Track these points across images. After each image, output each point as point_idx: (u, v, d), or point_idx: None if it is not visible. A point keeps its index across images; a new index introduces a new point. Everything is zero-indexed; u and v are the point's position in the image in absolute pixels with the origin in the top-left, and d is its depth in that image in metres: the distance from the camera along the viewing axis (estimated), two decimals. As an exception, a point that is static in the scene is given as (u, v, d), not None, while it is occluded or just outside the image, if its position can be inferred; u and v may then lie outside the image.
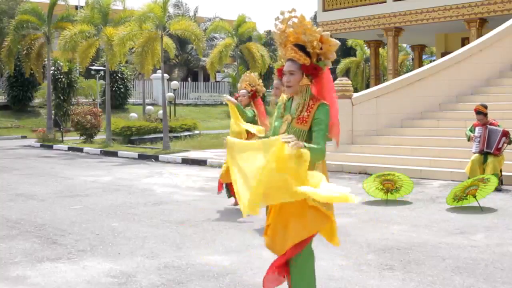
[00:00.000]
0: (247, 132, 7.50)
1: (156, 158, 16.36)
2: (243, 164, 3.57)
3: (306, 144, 3.45)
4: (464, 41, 20.60)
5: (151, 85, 35.70)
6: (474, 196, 8.18)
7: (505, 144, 9.66)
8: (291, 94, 3.76)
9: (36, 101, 32.64)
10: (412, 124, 13.95)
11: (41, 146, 21.53)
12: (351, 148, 13.35)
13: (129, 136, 21.05)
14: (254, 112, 8.04)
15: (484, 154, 9.67)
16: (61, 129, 23.71)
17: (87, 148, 19.34)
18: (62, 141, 22.39)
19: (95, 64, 30.61)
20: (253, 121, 7.74)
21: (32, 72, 25.85)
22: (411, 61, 36.94)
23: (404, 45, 34.58)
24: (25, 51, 25.35)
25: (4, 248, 6.11)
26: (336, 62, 34.55)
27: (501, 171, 9.69)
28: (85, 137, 22.07)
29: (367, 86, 28.17)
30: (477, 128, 9.83)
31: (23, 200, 9.29)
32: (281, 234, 3.65)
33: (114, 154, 17.90)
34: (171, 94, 27.09)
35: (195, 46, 21.34)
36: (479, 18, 19.26)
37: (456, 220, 7.43)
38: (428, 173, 11.45)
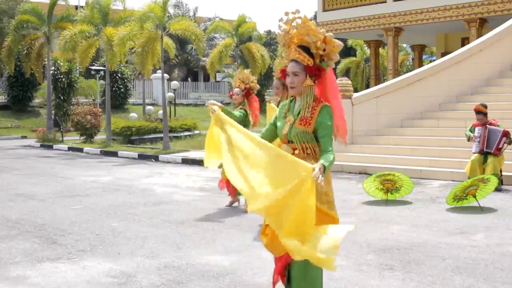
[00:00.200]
0: None
1: (156, 158, 16.36)
2: (243, 155, 3.60)
3: (325, 163, 3.43)
4: (464, 41, 20.60)
5: (151, 85, 35.71)
6: (474, 196, 8.18)
7: (505, 144, 9.66)
8: (294, 95, 3.78)
9: (36, 101, 32.65)
10: (412, 124, 13.95)
11: (41, 146, 21.53)
12: (351, 148, 13.35)
13: (129, 136, 21.05)
14: (246, 111, 8.04)
15: (484, 154, 9.68)
16: (61, 129, 23.72)
17: (87, 148, 19.34)
18: (62, 141, 22.39)
19: (95, 64, 30.62)
20: (243, 120, 7.75)
21: (32, 72, 25.85)
22: (411, 61, 36.94)
23: (404, 45, 34.57)
24: (25, 51, 25.35)
25: (4, 248, 6.11)
26: (336, 62, 34.47)
27: (501, 171, 9.69)
28: (85, 137, 22.08)
29: (367, 86, 28.17)
30: (476, 128, 9.83)
31: (23, 200, 9.29)
32: None
33: (114, 154, 17.90)
34: (171, 94, 27.09)
35: (195, 46, 21.36)
36: (479, 18, 19.27)
37: (456, 220, 7.43)
38: (428, 173, 11.45)
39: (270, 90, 34.81)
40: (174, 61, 39.99)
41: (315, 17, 34.75)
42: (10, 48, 24.76)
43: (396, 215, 7.79)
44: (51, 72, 26.28)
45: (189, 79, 46.48)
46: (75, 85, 30.02)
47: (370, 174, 9.75)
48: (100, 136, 22.82)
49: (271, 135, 3.90)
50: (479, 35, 18.08)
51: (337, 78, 14.48)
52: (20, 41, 24.76)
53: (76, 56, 22.36)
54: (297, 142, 3.69)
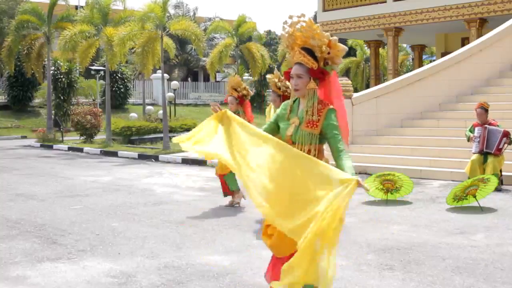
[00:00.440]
0: None
1: (156, 158, 16.36)
2: (259, 164, 3.56)
3: (350, 171, 3.48)
4: (464, 41, 20.60)
5: (151, 85, 35.70)
6: (474, 196, 8.18)
7: (506, 145, 9.66)
8: (298, 97, 3.79)
9: (36, 101, 32.64)
10: (412, 124, 13.95)
11: (41, 146, 21.53)
12: (351, 148, 13.33)
13: (129, 136, 21.06)
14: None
15: (484, 154, 9.67)
16: (61, 129, 23.71)
17: (87, 148, 19.34)
18: (62, 141, 22.39)
19: (95, 64, 30.62)
20: None
21: (32, 72, 25.85)
22: (411, 61, 36.93)
23: (404, 45, 34.57)
24: (25, 51, 25.36)
25: (4, 248, 6.11)
26: (336, 62, 34.41)
27: (501, 171, 9.69)
28: (85, 137, 22.07)
29: (367, 86, 28.17)
30: (476, 129, 9.83)
31: (23, 200, 9.29)
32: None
33: (114, 154, 17.90)
34: (171, 94, 27.09)
35: (195, 46, 21.36)
36: (479, 18, 19.26)
37: (456, 220, 7.43)
38: (428, 173, 11.45)
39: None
40: (174, 61, 39.98)
41: (315, 17, 34.75)
42: (10, 48, 24.76)
43: (396, 215, 7.79)
44: (51, 72, 26.27)
45: (189, 79, 46.47)
46: (75, 85, 30.01)
47: (370, 174, 9.75)
48: (100, 136, 22.82)
49: (271, 134, 3.90)
50: (479, 35, 18.08)
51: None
52: (20, 41, 24.77)
53: (76, 56, 22.36)
54: (302, 143, 3.71)
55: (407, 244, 6.12)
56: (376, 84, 21.74)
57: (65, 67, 27.52)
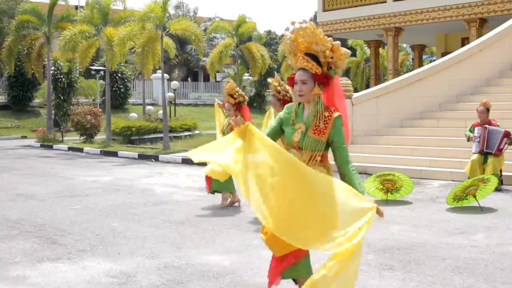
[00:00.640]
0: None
1: (156, 158, 16.36)
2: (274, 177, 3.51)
3: (361, 189, 3.63)
4: (464, 41, 20.60)
5: (151, 85, 35.71)
6: (474, 196, 8.18)
7: (507, 145, 9.66)
8: (302, 102, 3.80)
9: (36, 101, 32.65)
10: (412, 124, 13.95)
11: (41, 146, 21.53)
12: (351, 148, 13.31)
13: (129, 136, 21.06)
14: None
15: (484, 154, 9.67)
16: (61, 129, 23.71)
17: (87, 148, 19.34)
18: (62, 141, 22.39)
19: (95, 64, 30.62)
20: None
21: (32, 72, 25.86)
22: (411, 61, 36.92)
23: (404, 45, 34.56)
24: (25, 51, 25.37)
25: (4, 248, 6.11)
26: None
27: (501, 171, 9.69)
28: (85, 137, 22.08)
29: (367, 86, 28.17)
30: (476, 129, 9.83)
31: (23, 200, 9.29)
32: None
33: (114, 154, 17.90)
34: (171, 94, 27.10)
35: (195, 46, 21.37)
36: (479, 18, 19.26)
37: (456, 220, 7.44)
38: (428, 173, 11.45)
39: (270, 90, 34.78)
40: (174, 61, 40.00)
41: (315, 17, 34.76)
42: (10, 48, 24.77)
43: (396, 215, 7.79)
44: (51, 72, 26.28)
45: (189, 79, 46.49)
46: (75, 85, 30.02)
47: (370, 174, 9.74)
48: (100, 136, 22.81)
49: (274, 138, 3.89)
50: (479, 35, 18.08)
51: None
52: (20, 41, 24.77)
53: (76, 56, 22.35)
54: (308, 150, 3.74)
55: (407, 244, 6.12)
56: (376, 84, 21.74)
57: (66, 67, 27.51)
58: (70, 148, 20.03)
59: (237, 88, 8.31)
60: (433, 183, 10.77)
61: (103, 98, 27.53)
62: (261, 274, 5.05)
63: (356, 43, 34.75)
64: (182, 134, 21.94)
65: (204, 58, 34.17)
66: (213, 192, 8.53)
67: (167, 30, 19.14)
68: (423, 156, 12.18)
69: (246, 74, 34.98)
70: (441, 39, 23.50)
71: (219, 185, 8.28)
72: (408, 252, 5.80)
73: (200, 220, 7.54)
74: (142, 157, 16.82)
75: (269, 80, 6.98)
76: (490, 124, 9.77)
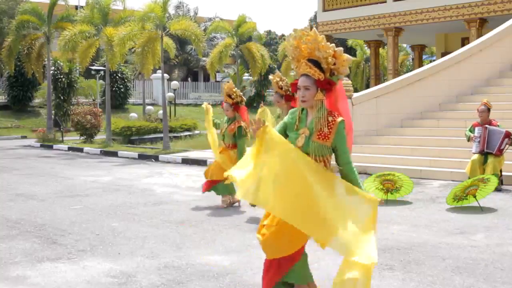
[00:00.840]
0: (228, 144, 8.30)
1: (156, 158, 16.36)
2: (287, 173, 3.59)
3: (363, 186, 3.81)
4: (464, 41, 20.60)
5: (151, 85, 35.71)
6: (474, 196, 8.18)
7: (507, 145, 9.65)
8: (305, 107, 3.83)
9: (36, 101, 32.66)
10: (412, 124, 13.95)
11: (41, 146, 21.53)
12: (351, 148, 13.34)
13: (129, 136, 21.06)
14: (241, 127, 8.26)
15: (484, 154, 9.67)
16: (61, 129, 23.71)
17: (87, 148, 19.35)
18: (62, 141, 22.39)
19: (95, 64, 30.63)
20: (242, 135, 8.19)
21: (32, 72, 25.86)
22: (411, 61, 36.93)
23: (404, 45, 34.57)
24: (25, 51, 25.37)
25: (4, 248, 6.11)
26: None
27: (501, 171, 9.69)
28: (85, 137, 22.08)
29: (367, 86, 28.17)
30: (476, 129, 9.82)
31: (23, 200, 9.29)
32: (288, 236, 3.70)
33: (114, 154, 17.90)
34: (171, 94, 27.10)
35: (195, 46, 21.36)
36: (479, 18, 19.27)
37: (456, 220, 7.44)
38: (428, 173, 11.45)
39: (270, 90, 34.83)
40: (174, 61, 40.00)
41: (315, 17, 34.76)
42: (10, 48, 24.77)
43: (396, 215, 7.79)
44: (51, 72, 26.28)
45: (189, 79, 46.48)
46: (75, 85, 30.02)
47: (370, 174, 9.75)
48: (100, 136, 22.82)
49: None
50: (479, 35, 18.08)
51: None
52: (20, 41, 24.77)
53: (76, 56, 22.36)
54: (312, 154, 3.76)
55: (407, 244, 6.12)
56: (376, 84, 21.74)
57: (66, 67, 27.51)
58: (70, 148, 20.03)
59: (235, 89, 8.32)
60: (433, 183, 10.77)
61: (103, 98, 27.54)
62: (261, 274, 5.04)
63: (356, 43, 34.77)
64: (182, 134, 21.94)
65: (204, 58, 34.18)
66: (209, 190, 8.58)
67: (167, 30, 19.15)
68: (423, 156, 12.18)
69: (246, 74, 34.97)
70: (441, 39, 23.50)
71: (224, 189, 8.34)
72: (408, 252, 5.80)
73: (200, 220, 7.54)
74: (142, 157, 16.82)
75: (270, 76, 6.97)
76: (490, 124, 9.77)
